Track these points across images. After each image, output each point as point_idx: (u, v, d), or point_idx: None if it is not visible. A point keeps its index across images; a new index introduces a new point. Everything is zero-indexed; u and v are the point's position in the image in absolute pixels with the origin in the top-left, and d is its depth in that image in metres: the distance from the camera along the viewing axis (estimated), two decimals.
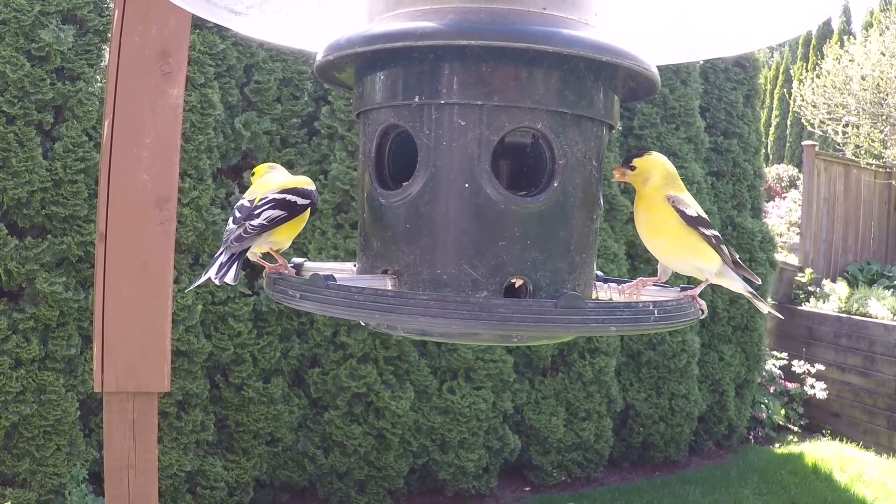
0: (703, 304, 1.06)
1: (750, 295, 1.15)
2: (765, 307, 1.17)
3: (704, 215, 1.09)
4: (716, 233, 1.08)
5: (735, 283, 1.13)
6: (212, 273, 1.07)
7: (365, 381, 4.67)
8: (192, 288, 1.25)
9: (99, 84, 3.99)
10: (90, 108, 3.92)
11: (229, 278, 1.06)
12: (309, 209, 1.15)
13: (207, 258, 4.25)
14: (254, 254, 1.14)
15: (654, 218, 1.08)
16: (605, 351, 5.49)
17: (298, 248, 4.61)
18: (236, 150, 4.53)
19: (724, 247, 1.09)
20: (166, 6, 1.86)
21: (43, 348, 3.89)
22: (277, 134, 4.63)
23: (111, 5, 3.66)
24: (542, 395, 5.38)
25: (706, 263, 1.09)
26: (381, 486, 4.88)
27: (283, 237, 1.14)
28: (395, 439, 4.78)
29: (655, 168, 1.08)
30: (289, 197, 1.12)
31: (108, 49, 2.36)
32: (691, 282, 1.13)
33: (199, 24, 4.12)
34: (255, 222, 1.09)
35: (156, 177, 1.95)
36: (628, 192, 5.64)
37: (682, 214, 1.06)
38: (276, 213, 1.10)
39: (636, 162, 1.08)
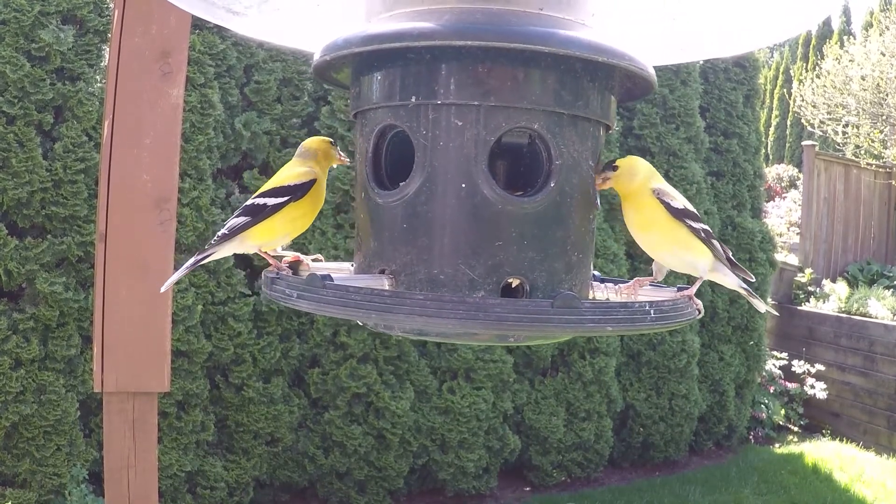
0: (700, 303, 1.06)
1: (745, 292, 1.14)
2: (762, 305, 1.16)
3: (692, 208, 1.09)
4: (705, 227, 1.09)
5: (728, 279, 1.13)
6: (172, 279, 1.20)
7: (365, 382, 4.67)
8: (164, 289, 1.30)
9: (99, 84, 3.99)
10: (90, 109, 3.92)
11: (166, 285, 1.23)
12: (289, 203, 1.10)
13: None
14: (266, 253, 1.13)
15: (643, 213, 1.08)
16: (605, 351, 5.49)
17: (298, 248, 4.61)
18: (236, 151, 4.53)
19: (715, 241, 1.08)
20: (166, 6, 1.86)
21: (43, 348, 3.89)
22: (277, 134, 4.63)
23: (111, 5, 3.66)
24: (542, 396, 5.37)
25: (698, 258, 1.08)
26: (381, 486, 4.88)
27: (262, 239, 1.11)
28: (395, 439, 4.78)
29: (639, 164, 1.08)
30: (258, 201, 1.10)
31: (108, 49, 2.36)
32: (689, 281, 1.13)
33: (199, 24, 4.12)
34: (220, 232, 1.10)
35: (156, 177, 1.95)
36: None
37: (668, 206, 1.06)
38: (240, 220, 1.09)
39: (619, 162, 1.07)
